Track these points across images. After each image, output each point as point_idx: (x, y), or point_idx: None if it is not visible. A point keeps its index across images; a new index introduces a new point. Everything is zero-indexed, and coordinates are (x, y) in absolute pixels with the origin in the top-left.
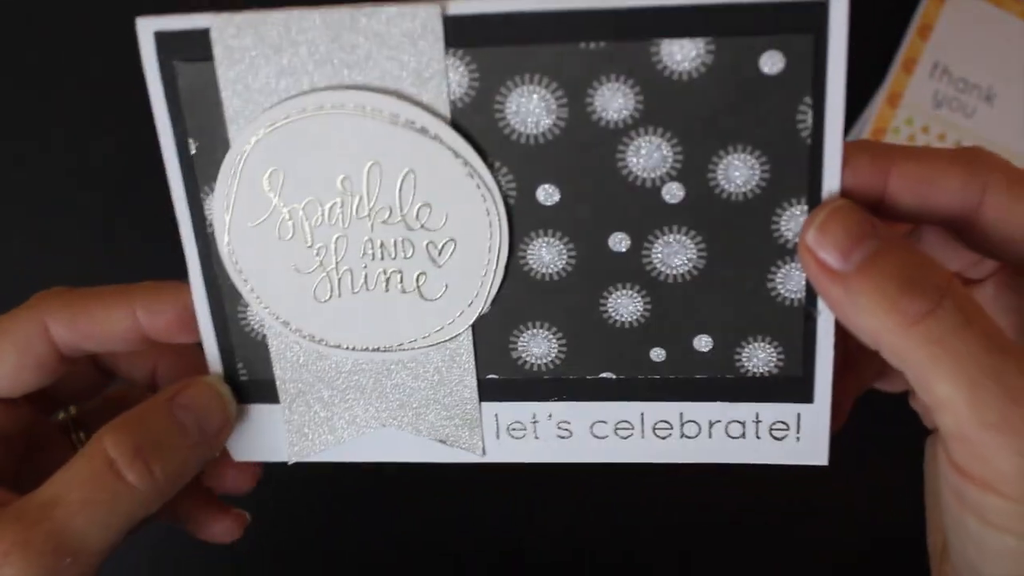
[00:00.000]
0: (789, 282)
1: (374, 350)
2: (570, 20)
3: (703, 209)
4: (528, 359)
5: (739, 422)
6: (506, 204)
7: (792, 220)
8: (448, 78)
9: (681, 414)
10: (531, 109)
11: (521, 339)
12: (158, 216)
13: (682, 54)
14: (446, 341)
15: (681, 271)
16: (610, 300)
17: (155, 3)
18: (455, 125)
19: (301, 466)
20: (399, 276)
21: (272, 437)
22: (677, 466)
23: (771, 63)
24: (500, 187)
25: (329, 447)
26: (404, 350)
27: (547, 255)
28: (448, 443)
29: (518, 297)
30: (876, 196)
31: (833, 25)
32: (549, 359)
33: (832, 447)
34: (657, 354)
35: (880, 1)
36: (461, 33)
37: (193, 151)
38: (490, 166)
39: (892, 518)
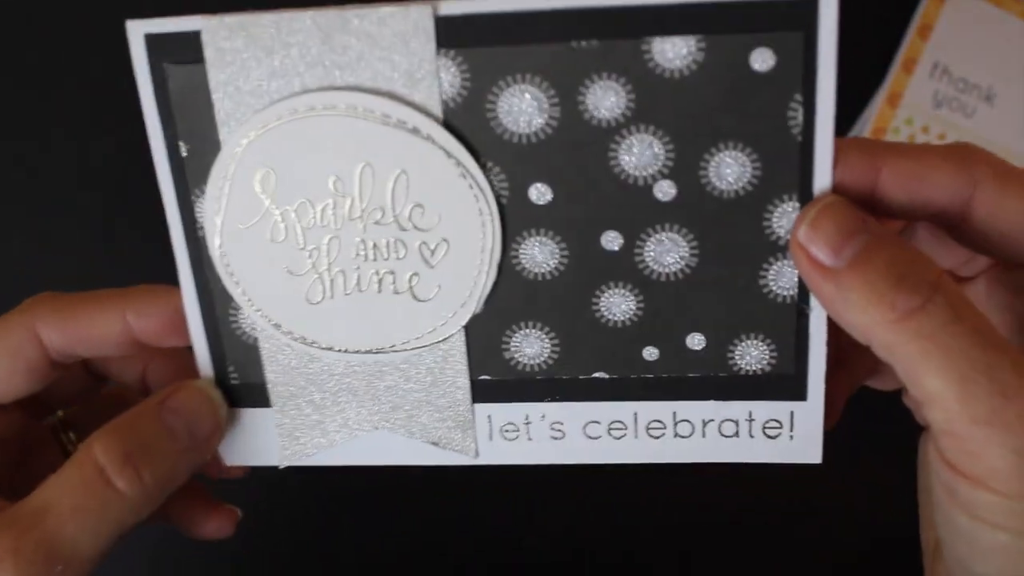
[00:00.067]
0: (781, 279)
1: (367, 352)
2: (561, 19)
3: (695, 207)
4: (521, 359)
5: (732, 421)
6: (498, 204)
7: (784, 217)
8: (440, 78)
9: (674, 413)
10: (523, 108)
11: (514, 339)
12: (158, 216)
13: (673, 52)
14: (439, 342)
15: (673, 269)
16: (603, 299)
17: (155, 3)
18: (447, 125)
19: (300, 467)
20: (392, 277)
21: (264, 441)
22: (676, 466)
23: (762, 60)
24: (492, 187)
25: (321, 450)
26: (397, 351)
27: (539, 254)
28: (441, 445)
29: (511, 297)
30: (867, 192)
31: (823, 22)
32: (542, 359)
33: (827, 446)
34: (650, 353)
35: (880, 1)
36: (452, 33)
37: (184, 154)
38: (482, 166)
39: (892, 517)
